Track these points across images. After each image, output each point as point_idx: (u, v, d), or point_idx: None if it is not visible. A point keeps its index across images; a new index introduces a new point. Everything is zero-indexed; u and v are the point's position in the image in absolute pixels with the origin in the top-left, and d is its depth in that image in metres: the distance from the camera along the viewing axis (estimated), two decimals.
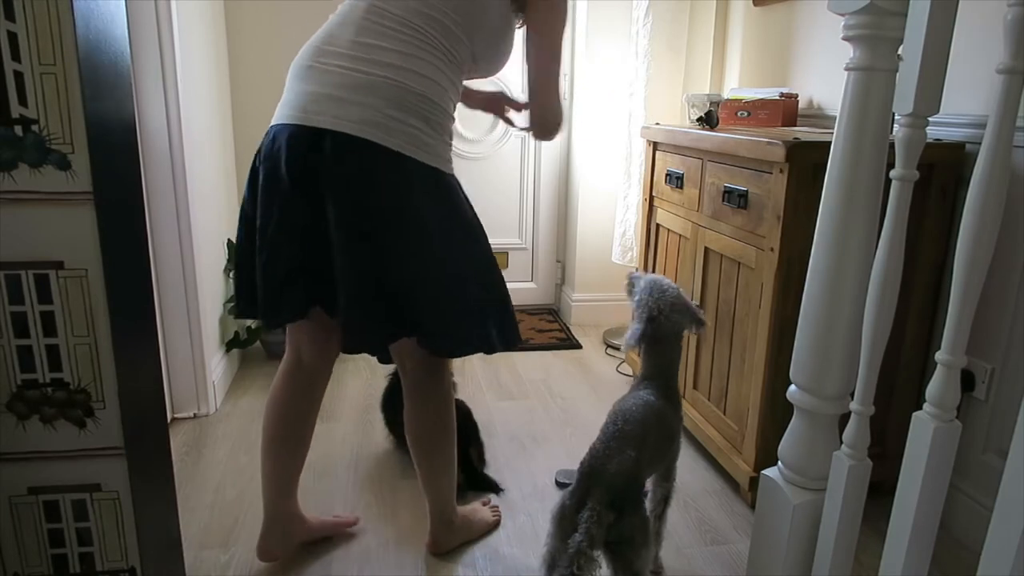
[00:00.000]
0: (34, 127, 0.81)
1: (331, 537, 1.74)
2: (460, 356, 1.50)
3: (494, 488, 1.99)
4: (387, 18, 1.29)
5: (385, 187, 1.28)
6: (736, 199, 1.92)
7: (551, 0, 1.42)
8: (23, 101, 0.80)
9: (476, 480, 2.00)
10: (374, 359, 1.54)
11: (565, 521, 1.29)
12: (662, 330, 1.50)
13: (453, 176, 1.39)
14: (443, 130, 1.35)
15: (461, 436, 1.93)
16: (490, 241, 1.45)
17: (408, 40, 1.29)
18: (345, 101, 1.26)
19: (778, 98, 2.40)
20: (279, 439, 1.55)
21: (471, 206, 1.44)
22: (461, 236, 1.38)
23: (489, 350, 1.43)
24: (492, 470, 2.09)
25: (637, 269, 1.59)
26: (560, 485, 2.01)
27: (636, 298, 1.55)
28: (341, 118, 1.25)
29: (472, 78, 1.48)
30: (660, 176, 2.47)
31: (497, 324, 1.44)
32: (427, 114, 1.30)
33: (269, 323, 1.46)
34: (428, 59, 1.30)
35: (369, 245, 1.29)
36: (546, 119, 1.49)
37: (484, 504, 1.87)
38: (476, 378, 2.75)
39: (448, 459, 1.60)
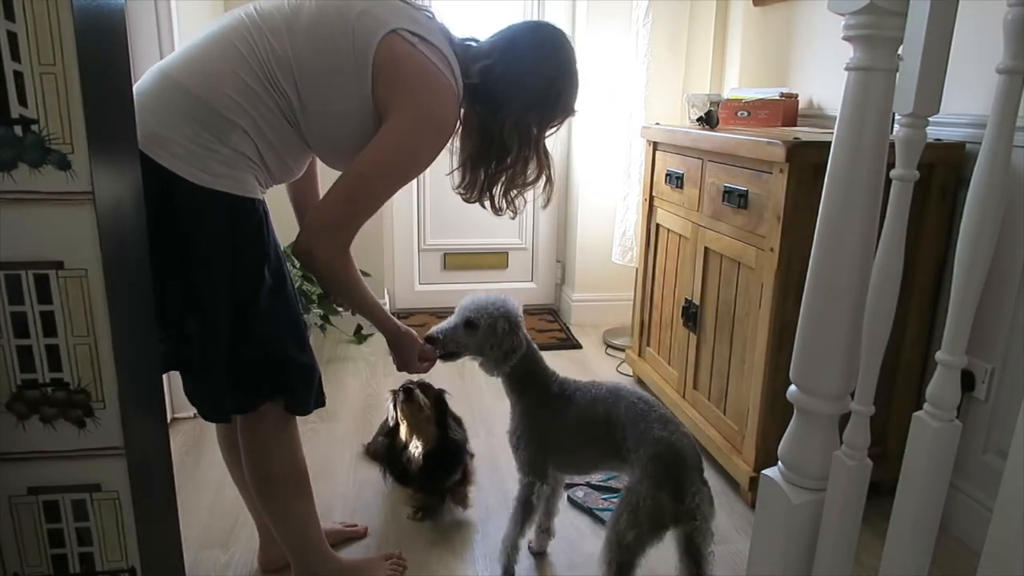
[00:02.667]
0: (34, 127, 0.81)
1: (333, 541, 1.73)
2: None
3: None
4: None
5: None
6: (736, 199, 1.92)
7: (410, 113, 1.23)
8: (23, 101, 0.80)
9: None
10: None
11: (666, 513, 1.35)
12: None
13: None
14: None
15: None
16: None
17: None
18: None
19: (778, 98, 2.40)
20: (233, 463, 1.53)
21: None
22: None
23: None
24: (492, 470, 2.09)
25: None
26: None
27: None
28: None
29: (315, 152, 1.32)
30: (660, 176, 2.47)
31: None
32: None
33: None
34: None
35: None
36: (312, 233, 1.22)
37: (387, 559, 1.65)
38: (476, 378, 2.74)
39: (282, 510, 1.45)
